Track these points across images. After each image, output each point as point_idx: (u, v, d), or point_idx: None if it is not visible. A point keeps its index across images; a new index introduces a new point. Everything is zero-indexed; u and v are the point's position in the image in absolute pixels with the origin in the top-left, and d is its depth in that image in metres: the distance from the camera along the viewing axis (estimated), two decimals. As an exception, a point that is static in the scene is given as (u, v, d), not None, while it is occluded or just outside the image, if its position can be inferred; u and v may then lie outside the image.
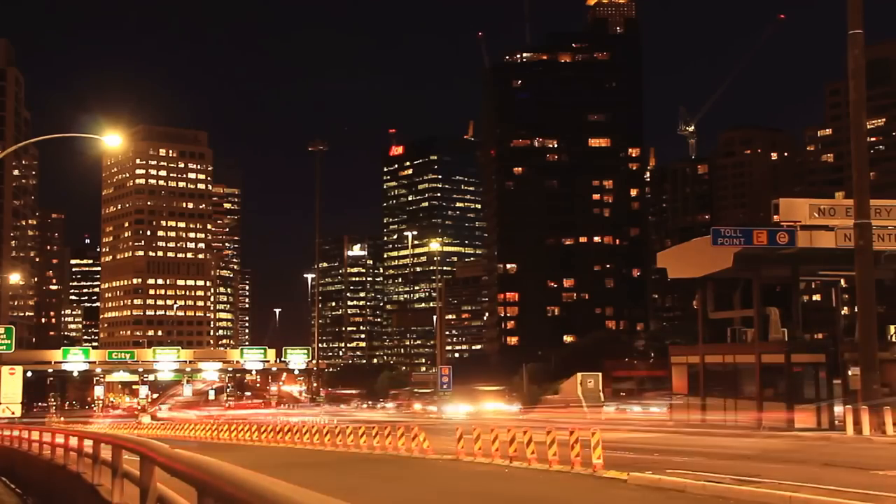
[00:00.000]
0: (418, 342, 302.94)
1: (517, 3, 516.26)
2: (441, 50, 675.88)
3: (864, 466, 25.09)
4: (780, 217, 49.25)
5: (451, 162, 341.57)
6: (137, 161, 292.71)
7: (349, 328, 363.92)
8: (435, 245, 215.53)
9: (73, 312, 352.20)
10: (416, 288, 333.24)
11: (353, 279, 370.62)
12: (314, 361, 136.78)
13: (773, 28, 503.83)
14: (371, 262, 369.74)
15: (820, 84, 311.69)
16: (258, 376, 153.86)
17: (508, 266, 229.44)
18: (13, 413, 59.10)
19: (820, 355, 50.85)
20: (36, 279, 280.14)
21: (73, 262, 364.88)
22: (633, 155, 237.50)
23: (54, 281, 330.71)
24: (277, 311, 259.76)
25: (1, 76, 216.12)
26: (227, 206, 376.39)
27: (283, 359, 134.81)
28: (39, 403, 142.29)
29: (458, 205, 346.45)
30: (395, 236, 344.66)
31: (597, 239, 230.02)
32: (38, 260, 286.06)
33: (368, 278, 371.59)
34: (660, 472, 23.42)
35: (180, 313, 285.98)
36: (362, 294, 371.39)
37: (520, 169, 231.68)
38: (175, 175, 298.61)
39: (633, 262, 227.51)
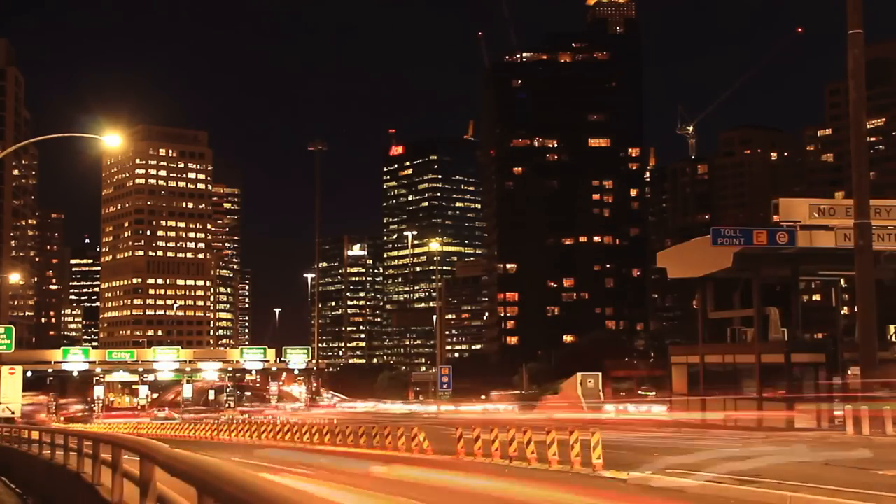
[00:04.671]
0: (418, 342, 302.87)
1: (518, 3, 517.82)
2: (441, 49, 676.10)
3: (864, 466, 25.09)
4: (780, 217, 49.31)
5: (451, 162, 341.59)
6: (137, 161, 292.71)
7: (349, 328, 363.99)
8: (435, 245, 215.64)
9: (73, 312, 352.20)
10: (416, 288, 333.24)
11: (353, 279, 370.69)
12: (314, 361, 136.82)
13: (789, 40, 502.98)
14: (371, 261, 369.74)
15: (820, 84, 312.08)
16: (258, 376, 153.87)
17: (508, 266, 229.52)
18: (13, 413, 59.15)
19: (820, 355, 50.91)
20: (36, 279, 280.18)
21: (73, 261, 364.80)
22: (633, 155, 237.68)
23: (54, 281, 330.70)
24: (277, 311, 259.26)
25: (1, 76, 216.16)
26: (227, 206, 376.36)
27: (283, 359, 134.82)
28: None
29: (458, 205, 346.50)
30: (395, 236, 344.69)
31: (597, 239, 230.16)
32: (38, 260, 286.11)
33: (368, 278, 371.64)
34: (659, 471, 23.42)
35: (180, 313, 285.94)
36: (362, 294, 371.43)
37: (520, 169, 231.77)
38: (175, 175, 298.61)
39: (633, 262, 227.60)
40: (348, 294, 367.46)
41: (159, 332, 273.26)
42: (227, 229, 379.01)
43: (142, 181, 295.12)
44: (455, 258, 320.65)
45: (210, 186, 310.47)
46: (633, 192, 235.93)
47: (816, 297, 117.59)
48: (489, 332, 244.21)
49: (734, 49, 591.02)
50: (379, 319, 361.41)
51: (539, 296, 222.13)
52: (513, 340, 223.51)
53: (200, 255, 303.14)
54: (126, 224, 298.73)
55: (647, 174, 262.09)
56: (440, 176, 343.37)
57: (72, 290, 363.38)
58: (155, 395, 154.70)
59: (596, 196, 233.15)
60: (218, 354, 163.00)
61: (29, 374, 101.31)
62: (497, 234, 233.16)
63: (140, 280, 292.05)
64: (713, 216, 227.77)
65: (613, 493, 21.44)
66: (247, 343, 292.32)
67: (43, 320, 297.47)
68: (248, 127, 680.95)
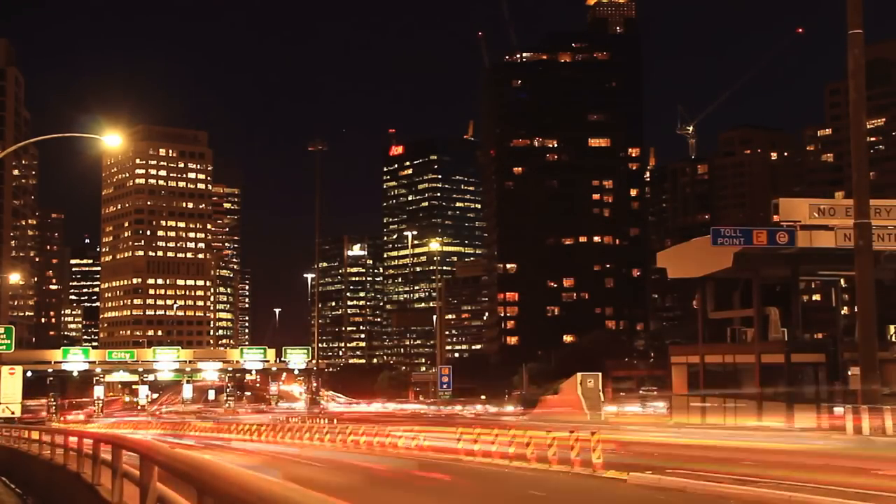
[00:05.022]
0: (418, 342, 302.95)
1: (518, 3, 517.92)
2: (441, 50, 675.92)
3: (863, 466, 25.07)
4: (780, 217, 49.29)
5: (451, 162, 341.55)
6: (137, 161, 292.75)
7: (349, 328, 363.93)
8: (435, 245, 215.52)
9: (73, 312, 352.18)
10: (416, 288, 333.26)
11: (353, 279, 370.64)
12: (314, 361, 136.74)
13: (789, 40, 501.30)
14: (371, 262, 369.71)
15: (820, 84, 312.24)
16: (258, 376, 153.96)
17: (508, 266, 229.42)
18: (13, 413, 59.08)
19: (820, 355, 50.87)
20: (36, 279, 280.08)
21: (73, 262, 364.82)
22: (633, 155, 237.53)
23: (54, 281, 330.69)
24: (277, 311, 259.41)
25: (1, 76, 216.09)
26: (227, 206, 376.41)
27: (282, 359, 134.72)
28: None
29: (458, 205, 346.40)
30: (395, 236, 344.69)
31: (597, 239, 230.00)
32: (38, 260, 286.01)
33: (368, 278, 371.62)
34: (659, 472, 23.39)
35: (180, 313, 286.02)
36: (362, 294, 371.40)
37: (520, 169, 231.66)
38: (175, 175, 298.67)
39: (633, 262, 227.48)
40: (348, 294, 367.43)
41: (159, 332, 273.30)
42: (227, 229, 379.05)
43: (142, 181, 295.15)
44: (455, 258, 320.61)
45: (210, 186, 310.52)
46: (633, 192, 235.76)
47: (816, 297, 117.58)
48: (489, 332, 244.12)
49: (734, 49, 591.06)
50: (379, 319, 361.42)
51: (539, 296, 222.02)
52: (513, 340, 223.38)
53: (200, 255, 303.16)
54: (126, 224, 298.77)
55: (647, 174, 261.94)
56: (440, 176, 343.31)
57: (72, 290, 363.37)
58: (155, 395, 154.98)
59: (596, 196, 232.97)
60: (218, 354, 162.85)
61: (29, 374, 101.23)
62: (497, 234, 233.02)
63: (140, 280, 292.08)
64: (713, 216, 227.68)
65: None
66: (247, 343, 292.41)
67: (43, 320, 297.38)
68: (248, 127, 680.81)
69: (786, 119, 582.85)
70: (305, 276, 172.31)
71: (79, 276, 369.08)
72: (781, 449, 33.02)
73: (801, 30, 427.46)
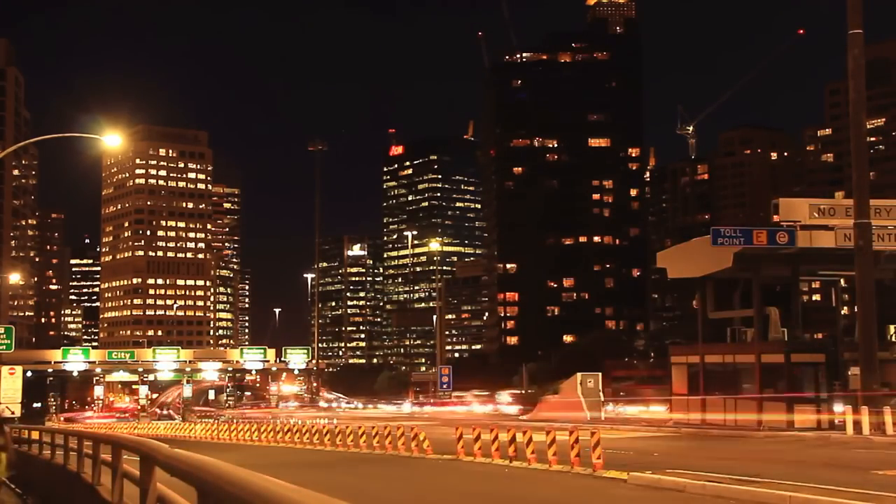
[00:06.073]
0: (418, 342, 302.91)
1: (518, 3, 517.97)
2: (441, 50, 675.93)
3: (863, 466, 25.07)
4: (780, 217, 49.21)
5: (451, 162, 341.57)
6: (137, 161, 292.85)
7: (349, 328, 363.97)
8: (435, 245, 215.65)
9: (73, 312, 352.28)
10: (416, 288, 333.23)
11: (353, 279, 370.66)
12: (314, 361, 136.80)
13: (790, 41, 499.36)
14: (371, 261, 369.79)
15: (820, 84, 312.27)
16: (258, 376, 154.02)
17: (508, 266, 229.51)
18: (13, 413, 59.03)
19: (820, 355, 50.79)
20: (36, 279, 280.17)
21: (73, 261, 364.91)
22: (633, 155, 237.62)
23: (54, 281, 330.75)
24: (277, 311, 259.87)
25: (1, 76, 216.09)
26: (227, 206, 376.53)
27: (282, 359, 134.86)
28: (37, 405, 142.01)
29: (458, 205, 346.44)
30: (395, 236, 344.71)
31: (597, 239, 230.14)
32: (38, 260, 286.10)
33: (368, 278, 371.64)
34: (659, 471, 23.39)
35: (180, 313, 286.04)
36: (362, 294, 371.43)
37: (520, 169, 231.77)
38: (175, 175, 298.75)
39: (633, 262, 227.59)
40: (348, 294, 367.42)
41: (159, 332, 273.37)
42: (227, 229, 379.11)
43: (142, 181, 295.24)
44: (455, 258, 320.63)
45: (210, 186, 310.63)
46: (633, 192, 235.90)
47: (816, 297, 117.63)
48: (489, 332, 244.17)
49: (735, 49, 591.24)
50: (379, 319, 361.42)
51: (539, 296, 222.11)
52: (513, 340, 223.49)
53: (200, 255, 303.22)
54: (126, 224, 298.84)
55: (647, 174, 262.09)
56: (440, 176, 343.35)
57: (72, 290, 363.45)
58: (155, 395, 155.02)
59: (596, 196, 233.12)
60: (218, 354, 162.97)
61: (29, 374, 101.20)
62: (497, 234, 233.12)
63: (140, 280, 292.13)
64: (713, 216, 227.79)
65: None
66: (247, 343, 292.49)
67: (43, 320, 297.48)
68: (248, 127, 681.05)
69: (786, 119, 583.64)
70: (305, 276, 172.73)
71: (79, 276, 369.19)
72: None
73: (802, 31, 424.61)
